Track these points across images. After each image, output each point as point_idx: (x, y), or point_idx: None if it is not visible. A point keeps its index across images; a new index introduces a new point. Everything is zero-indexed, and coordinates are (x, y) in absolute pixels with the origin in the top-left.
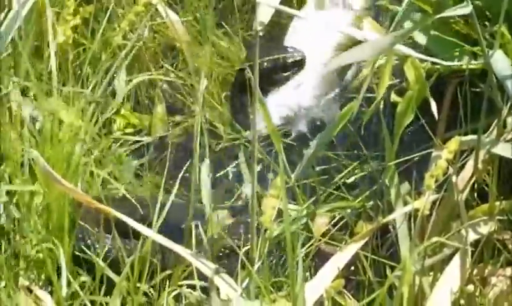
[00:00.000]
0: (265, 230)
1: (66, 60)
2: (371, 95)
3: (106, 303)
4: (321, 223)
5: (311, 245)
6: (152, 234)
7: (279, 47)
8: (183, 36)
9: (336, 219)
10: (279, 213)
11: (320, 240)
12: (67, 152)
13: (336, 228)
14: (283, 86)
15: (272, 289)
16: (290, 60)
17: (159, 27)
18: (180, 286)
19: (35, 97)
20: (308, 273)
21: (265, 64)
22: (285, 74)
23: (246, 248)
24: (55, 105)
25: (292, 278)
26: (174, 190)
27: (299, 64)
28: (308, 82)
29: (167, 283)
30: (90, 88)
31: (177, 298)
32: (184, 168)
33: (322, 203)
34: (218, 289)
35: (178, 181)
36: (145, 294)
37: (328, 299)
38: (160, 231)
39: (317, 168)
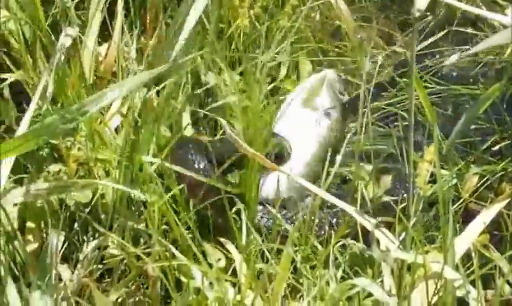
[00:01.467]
0: (420, 190)
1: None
2: None
3: (279, 251)
4: (469, 184)
5: (461, 203)
6: (321, 192)
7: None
8: (348, 17)
9: (482, 181)
10: (432, 176)
11: (468, 199)
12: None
13: (482, 188)
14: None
15: (425, 242)
16: (276, 150)
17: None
18: (346, 237)
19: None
20: (457, 229)
21: None
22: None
23: (402, 205)
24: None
25: (444, 232)
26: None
27: (286, 155)
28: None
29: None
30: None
31: (342, 249)
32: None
33: (470, 167)
34: (378, 241)
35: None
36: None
37: (475, 251)
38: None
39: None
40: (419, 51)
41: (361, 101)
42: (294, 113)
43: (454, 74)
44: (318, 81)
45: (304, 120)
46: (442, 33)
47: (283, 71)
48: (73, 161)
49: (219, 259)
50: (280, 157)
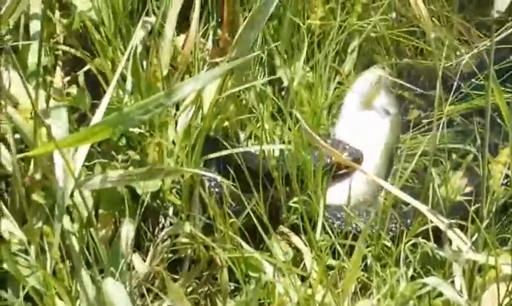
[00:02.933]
0: (494, 192)
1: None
2: None
3: (352, 248)
4: None
5: None
6: (394, 190)
7: (335, 142)
8: (425, 16)
9: None
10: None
11: None
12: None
13: None
14: (343, 181)
15: (497, 244)
16: (349, 159)
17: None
18: (417, 236)
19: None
20: None
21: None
22: (345, 170)
23: (475, 206)
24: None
25: None
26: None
27: (357, 163)
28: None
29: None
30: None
31: (413, 248)
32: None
33: None
34: (450, 241)
35: None
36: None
37: None
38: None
39: None
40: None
41: (436, 97)
42: (354, 115)
43: None
44: (374, 82)
45: (366, 122)
46: None
47: (348, 67)
48: (153, 150)
49: (287, 253)
50: (355, 162)
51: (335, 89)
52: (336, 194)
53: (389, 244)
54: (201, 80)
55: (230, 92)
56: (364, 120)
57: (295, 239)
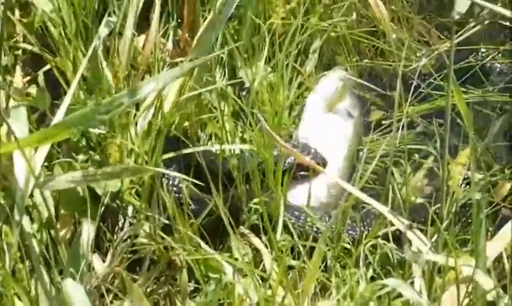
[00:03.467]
0: (453, 193)
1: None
2: None
3: (312, 249)
4: (502, 190)
5: (493, 208)
6: (355, 191)
7: (299, 145)
8: (385, 17)
9: None
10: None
11: (501, 203)
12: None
13: None
14: (304, 183)
15: (457, 245)
16: (312, 162)
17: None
18: (377, 237)
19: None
20: (490, 233)
21: (288, 162)
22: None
23: (435, 207)
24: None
25: (476, 236)
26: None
27: (321, 166)
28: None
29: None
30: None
31: (373, 248)
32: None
33: (504, 172)
34: (410, 242)
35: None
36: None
37: (507, 256)
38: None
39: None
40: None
41: (396, 98)
42: (317, 117)
43: (497, 72)
44: (337, 84)
45: (329, 125)
46: (475, 29)
47: (309, 67)
48: (114, 150)
49: (247, 253)
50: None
51: (297, 89)
52: (300, 195)
53: (349, 246)
54: (161, 80)
55: (190, 94)
56: (327, 123)
57: (255, 240)
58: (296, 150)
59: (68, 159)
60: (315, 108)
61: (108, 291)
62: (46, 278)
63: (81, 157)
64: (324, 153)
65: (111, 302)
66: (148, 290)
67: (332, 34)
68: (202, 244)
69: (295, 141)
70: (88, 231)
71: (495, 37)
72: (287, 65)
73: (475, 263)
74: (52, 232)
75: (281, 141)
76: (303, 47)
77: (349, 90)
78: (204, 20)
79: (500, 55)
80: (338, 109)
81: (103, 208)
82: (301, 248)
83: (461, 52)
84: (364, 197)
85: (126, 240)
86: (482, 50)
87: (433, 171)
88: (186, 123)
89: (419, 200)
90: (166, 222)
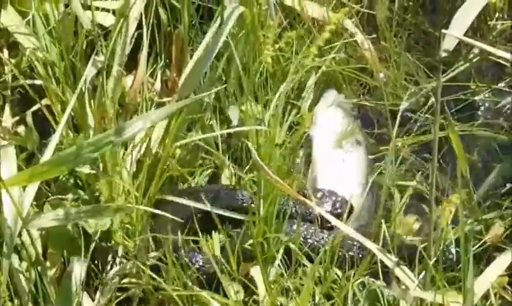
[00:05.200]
0: (442, 230)
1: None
2: None
3: (302, 285)
4: (496, 232)
5: (482, 246)
6: (345, 227)
7: (316, 190)
8: (373, 56)
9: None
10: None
11: (490, 243)
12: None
13: (505, 234)
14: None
15: (445, 282)
16: (339, 211)
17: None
18: (365, 275)
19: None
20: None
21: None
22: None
23: (423, 244)
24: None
25: (464, 273)
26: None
27: (349, 212)
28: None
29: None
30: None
31: (362, 285)
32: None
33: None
34: (398, 278)
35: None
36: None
37: (494, 293)
38: None
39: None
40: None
41: (393, 138)
42: (328, 155)
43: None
44: (343, 116)
45: (343, 160)
46: (462, 67)
47: (307, 104)
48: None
49: (238, 292)
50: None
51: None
52: None
53: (338, 281)
54: (149, 118)
55: (185, 141)
56: (340, 158)
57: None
58: (323, 199)
59: (58, 197)
60: (322, 144)
61: None
62: None
63: (70, 196)
64: (348, 197)
65: None
66: None
67: (324, 69)
68: (190, 283)
69: (322, 190)
70: (78, 269)
71: (485, 73)
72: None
73: (463, 300)
74: (41, 271)
75: (274, 176)
76: (295, 86)
77: (347, 112)
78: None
79: (489, 91)
80: (348, 142)
81: (92, 247)
82: (290, 285)
83: (450, 89)
84: (354, 234)
85: (114, 278)
86: (472, 86)
87: (423, 207)
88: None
89: (409, 238)
90: (156, 262)
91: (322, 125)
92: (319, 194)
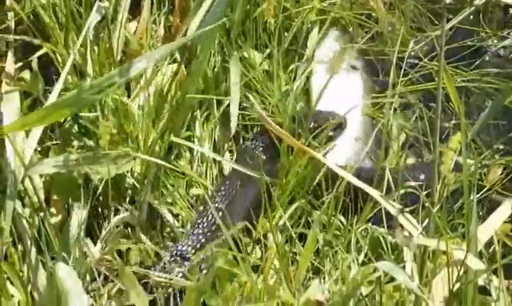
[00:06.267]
0: (444, 178)
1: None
2: None
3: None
4: (493, 175)
5: (485, 193)
6: (348, 175)
7: (315, 112)
8: (379, 5)
9: (507, 171)
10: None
11: (492, 188)
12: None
13: (507, 179)
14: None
15: (448, 229)
16: (332, 123)
17: None
18: (368, 222)
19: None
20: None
21: (311, 126)
22: (330, 136)
23: (426, 191)
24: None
25: (467, 220)
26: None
27: (341, 126)
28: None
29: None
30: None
31: (365, 232)
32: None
33: (495, 158)
34: (401, 226)
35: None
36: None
37: (497, 240)
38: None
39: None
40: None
41: (390, 85)
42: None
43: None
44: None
45: (337, 86)
46: (467, 12)
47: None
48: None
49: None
50: (338, 128)
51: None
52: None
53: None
54: (153, 57)
55: None
56: (335, 84)
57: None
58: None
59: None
60: (320, 73)
61: (100, 274)
62: (38, 262)
63: (76, 143)
64: (341, 112)
65: (103, 286)
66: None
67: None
68: None
69: (313, 111)
70: (80, 216)
71: (492, 20)
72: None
73: (466, 247)
74: (44, 217)
75: (273, 124)
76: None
77: (349, 43)
78: None
79: (496, 37)
80: (343, 68)
81: (97, 194)
82: (293, 234)
83: (457, 34)
84: (356, 181)
85: (118, 226)
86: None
87: (425, 156)
88: None
89: (412, 184)
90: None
91: (321, 59)
92: (316, 115)
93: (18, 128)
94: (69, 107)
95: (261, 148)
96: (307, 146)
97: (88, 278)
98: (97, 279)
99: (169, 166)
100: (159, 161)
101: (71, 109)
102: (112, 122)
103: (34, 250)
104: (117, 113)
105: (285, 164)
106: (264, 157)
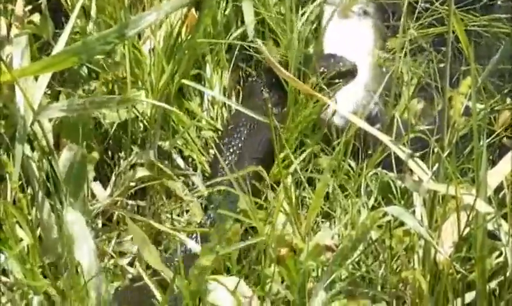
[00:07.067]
0: (454, 122)
1: None
2: None
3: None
4: (503, 118)
5: (494, 138)
6: (356, 119)
7: (325, 56)
8: None
9: None
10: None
11: (502, 133)
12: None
13: None
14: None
15: (458, 174)
16: (343, 70)
17: None
18: (378, 166)
19: None
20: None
21: (321, 70)
22: (339, 81)
23: (436, 136)
24: None
25: (477, 165)
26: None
27: (351, 73)
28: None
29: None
30: None
31: (374, 177)
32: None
33: (505, 102)
34: (411, 170)
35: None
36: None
37: (507, 185)
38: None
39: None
40: None
41: (401, 24)
42: (336, 26)
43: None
44: None
45: (348, 31)
46: None
47: None
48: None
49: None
50: (349, 73)
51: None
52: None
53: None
54: (164, 9)
55: None
56: (346, 29)
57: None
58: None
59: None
60: (331, 19)
61: (109, 219)
62: (46, 206)
63: (86, 87)
64: (351, 58)
65: (111, 231)
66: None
67: None
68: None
69: (324, 54)
70: (90, 159)
71: None
72: None
73: (476, 192)
74: (53, 161)
75: (282, 70)
76: None
77: None
78: None
79: None
80: (354, 12)
81: (107, 138)
82: (303, 178)
83: None
84: (367, 127)
85: (129, 169)
86: None
87: (435, 101)
88: None
89: (421, 128)
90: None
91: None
92: (326, 59)
93: (29, 73)
94: (78, 55)
95: (268, 87)
96: (315, 89)
97: (97, 222)
98: (107, 224)
99: (177, 111)
100: (167, 106)
101: (80, 57)
102: (123, 65)
103: (42, 194)
104: (127, 58)
105: (291, 107)
106: (272, 96)
